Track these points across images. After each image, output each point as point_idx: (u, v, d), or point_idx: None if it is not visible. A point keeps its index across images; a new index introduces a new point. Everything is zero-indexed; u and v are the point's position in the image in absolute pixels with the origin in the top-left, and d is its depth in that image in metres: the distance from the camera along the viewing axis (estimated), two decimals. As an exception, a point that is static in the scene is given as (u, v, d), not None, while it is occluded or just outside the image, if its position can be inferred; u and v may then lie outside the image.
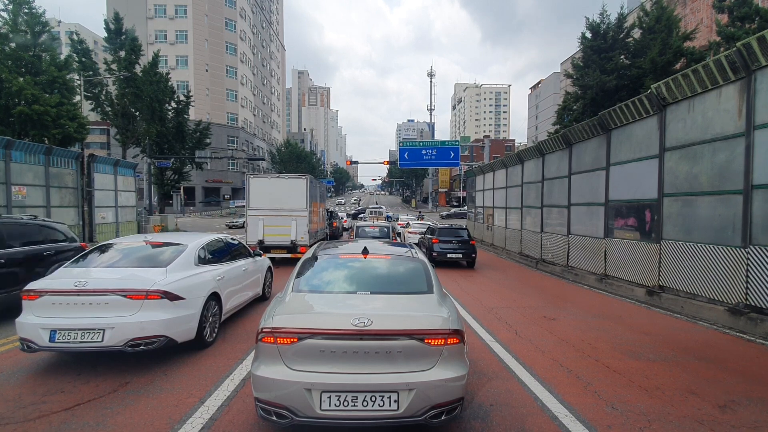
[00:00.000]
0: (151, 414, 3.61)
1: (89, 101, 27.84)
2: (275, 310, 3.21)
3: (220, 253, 6.44)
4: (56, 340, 4.30)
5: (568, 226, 12.50)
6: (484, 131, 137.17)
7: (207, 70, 62.44)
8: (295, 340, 2.91)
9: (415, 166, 35.30)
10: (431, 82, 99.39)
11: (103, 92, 28.87)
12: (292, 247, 13.18)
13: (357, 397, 2.81)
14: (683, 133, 8.06)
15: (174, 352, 5.02)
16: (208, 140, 37.21)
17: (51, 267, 6.91)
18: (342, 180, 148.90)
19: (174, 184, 35.68)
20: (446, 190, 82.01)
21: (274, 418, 2.90)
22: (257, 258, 7.81)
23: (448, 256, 13.80)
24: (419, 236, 17.43)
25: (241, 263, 6.88)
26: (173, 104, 33.56)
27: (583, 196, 11.71)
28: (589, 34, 23.64)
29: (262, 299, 7.96)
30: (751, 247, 6.57)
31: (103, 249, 5.54)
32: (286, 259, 13.19)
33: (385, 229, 15.62)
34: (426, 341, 2.93)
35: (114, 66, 29.03)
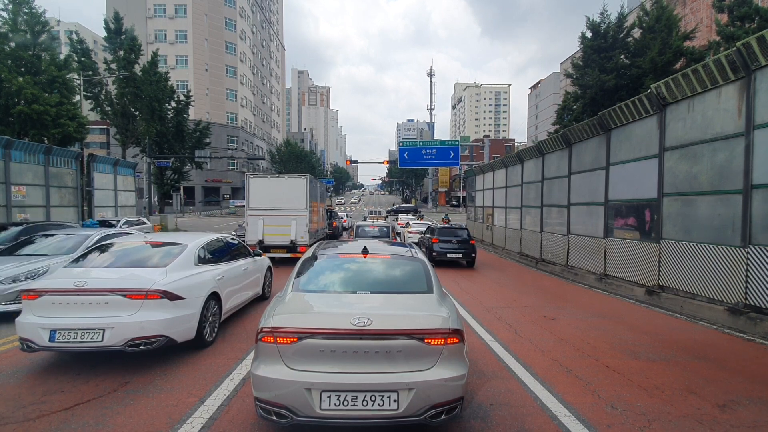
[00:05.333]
0: (150, 414, 3.61)
1: (89, 101, 27.83)
2: (275, 310, 3.22)
3: (219, 252, 6.44)
4: (56, 340, 4.30)
5: (568, 225, 12.50)
6: (484, 131, 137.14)
7: (207, 70, 62.41)
8: (295, 339, 2.92)
9: (415, 165, 35.33)
10: (431, 82, 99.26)
11: (103, 92, 28.86)
12: (292, 247, 13.18)
13: (357, 396, 2.82)
14: (683, 132, 8.06)
15: (174, 352, 5.02)
16: (207, 140, 37.18)
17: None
18: (342, 180, 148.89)
19: (174, 184, 35.65)
20: (446, 189, 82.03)
21: (274, 417, 2.90)
22: (257, 258, 7.80)
23: (448, 255, 13.80)
24: (419, 236, 17.42)
25: (241, 263, 6.88)
26: (173, 104, 33.52)
27: (583, 195, 11.71)
28: (589, 34, 23.64)
29: (262, 299, 7.96)
30: (750, 246, 6.57)
31: (102, 249, 5.54)
32: (286, 258, 13.19)
33: (385, 229, 15.61)
34: (426, 341, 2.94)
35: (113, 65, 29.02)
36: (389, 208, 51.57)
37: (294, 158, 71.14)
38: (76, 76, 24.97)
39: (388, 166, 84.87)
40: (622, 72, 22.01)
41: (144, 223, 18.09)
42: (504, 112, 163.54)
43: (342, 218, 30.14)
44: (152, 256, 5.38)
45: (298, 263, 4.09)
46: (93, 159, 19.30)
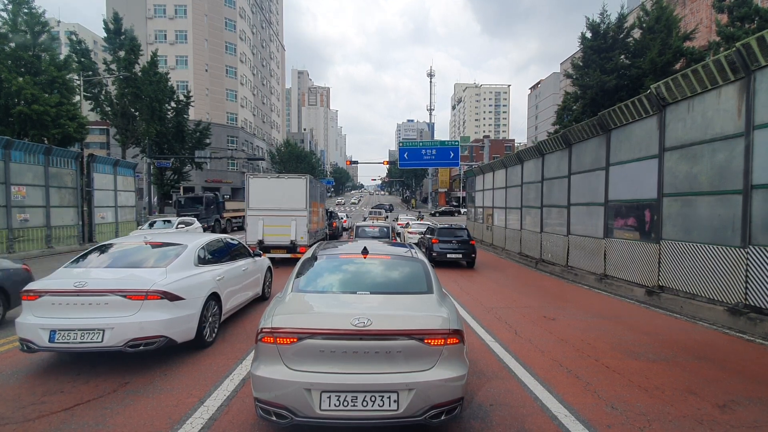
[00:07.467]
0: (150, 414, 3.61)
1: (89, 101, 27.83)
2: (275, 310, 3.21)
3: (219, 253, 6.44)
4: (56, 341, 4.30)
5: (568, 226, 12.50)
6: (484, 131, 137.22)
7: (207, 70, 62.37)
8: (295, 340, 2.91)
9: (415, 166, 35.31)
10: (431, 82, 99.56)
11: (103, 92, 28.87)
12: (292, 247, 13.19)
13: (357, 397, 2.81)
14: (683, 133, 8.06)
15: (174, 352, 5.01)
16: (207, 140, 37.16)
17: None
18: (342, 180, 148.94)
19: (174, 184, 35.63)
20: (446, 190, 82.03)
21: (274, 418, 2.90)
22: (257, 258, 7.80)
23: (448, 256, 13.79)
24: (419, 236, 17.42)
25: (241, 263, 6.88)
26: (173, 104, 33.53)
27: (583, 196, 11.71)
28: (589, 34, 23.63)
29: (262, 299, 7.96)
30: (750, 247, 6.57)
31: (102, 249, 5.53)
32: (286, 259, 13.19)
33: (385, 229, 15.62)
34: (426, 341, 2.93)
35: (113, 66, 29.03)
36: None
37: (294, 158, 71.16)
38: (76, 77, 24.97)
39: (387, 166, 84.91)
40: (622, 72, 22.01)
41: None
42: (504, 112, 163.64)
43: (342, 218, 30.17)
44: (152, 256, 5.37)
45: (298, 264, 4.08)
46: (93, 159, 19.28)
